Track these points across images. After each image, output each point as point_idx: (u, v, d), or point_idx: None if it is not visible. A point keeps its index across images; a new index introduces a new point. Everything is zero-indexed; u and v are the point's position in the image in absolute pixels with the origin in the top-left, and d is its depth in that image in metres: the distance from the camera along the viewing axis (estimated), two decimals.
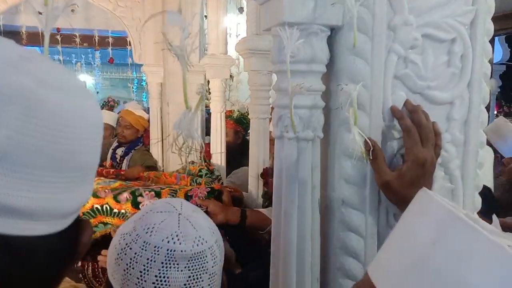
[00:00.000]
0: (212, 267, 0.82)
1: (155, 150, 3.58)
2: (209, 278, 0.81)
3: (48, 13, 0.57)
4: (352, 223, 0.98)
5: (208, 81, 2.96)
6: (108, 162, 3.58)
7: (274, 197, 1.07)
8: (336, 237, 1.02)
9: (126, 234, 0.81)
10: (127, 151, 3.54)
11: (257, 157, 2.14)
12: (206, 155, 3.04)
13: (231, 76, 3.29)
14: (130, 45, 3.57)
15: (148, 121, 3.62)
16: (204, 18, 3.32)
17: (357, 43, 0.90)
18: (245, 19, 3.87)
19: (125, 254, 0.79)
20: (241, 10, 4.14)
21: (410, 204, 0.55)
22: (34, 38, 4.74)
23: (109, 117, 3.80)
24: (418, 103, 0.97)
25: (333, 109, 1.02)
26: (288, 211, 1.00)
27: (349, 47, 0.93)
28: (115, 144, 3.63)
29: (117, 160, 3.55)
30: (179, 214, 0.83)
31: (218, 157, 2.85)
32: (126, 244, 0.80)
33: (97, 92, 9.44)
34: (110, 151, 3.62)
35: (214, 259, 0.83)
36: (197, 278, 0.79)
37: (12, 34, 4.64)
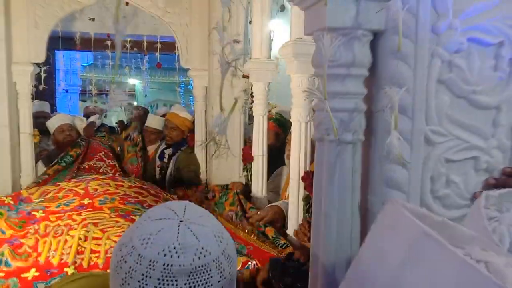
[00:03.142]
0: (219, 281, 0.72)
1: (198, 155, 3.67)
2: None
3: (119, 26, 0.63)
4: None
5: (252, 85, 3.01)
6: (157, 162, 3.73)
7: (314, 199, 1.09)
8: None
9: (123, 245, 0.74)
10: (174, 151, 3.68)
11: (298, 160, 2.15)
12: (247, 157, 3.08)
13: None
14: (177, 50, 3.70)
15: (193, 123, 3.72)
16: (249, 24, 3.37)
17: (401, 47, 0.90)
18: (284, 21, 3.90)
19: (121, 267, 0.71)
20: (282, 8, 4.15)
21: (379, 217, 0.52)
22: (86, 43, 4.97)
23: (157, 122, 3.96)
24: (463, 108, 0.95)
25: (375, 113, 1.02)
26: (328, 213, 1.01)
27: (392, 51, 0.94)
28: (162, 145, 3.78)
29: (165, 159, 3.69)
30: (179, 221, 0.74)
31: (260, 160, 2.89)
32: (122, 256, 0.72)
33: (145, 96, 9.80)
34: (159, 151, 3.77)
35: (221, 272, 0.73)
36: None
37: (68, 39, 4.89)
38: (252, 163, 2.95)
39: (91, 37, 4.76)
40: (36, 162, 3.42)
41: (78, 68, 8.11)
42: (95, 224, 2.00)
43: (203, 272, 0.70)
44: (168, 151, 3.72)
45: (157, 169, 3.73)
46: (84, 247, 1.87)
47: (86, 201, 2.25)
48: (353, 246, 1.01)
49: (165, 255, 0.69)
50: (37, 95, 3.75)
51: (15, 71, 3.22)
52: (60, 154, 3.43)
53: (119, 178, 2.66)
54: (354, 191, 1.01)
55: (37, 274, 1.73)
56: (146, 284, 0.68)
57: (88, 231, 1.95)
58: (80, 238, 1.90)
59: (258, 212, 2.42)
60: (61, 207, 2.21)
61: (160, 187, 2.98)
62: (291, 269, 1.46)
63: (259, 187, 2.90)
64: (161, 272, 0.68)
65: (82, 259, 1.82)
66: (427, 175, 0.98)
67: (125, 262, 0.71)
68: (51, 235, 1.93)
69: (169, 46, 4.48)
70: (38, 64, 3.34)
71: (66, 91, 7.93)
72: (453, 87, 0.96)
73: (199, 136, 3.68)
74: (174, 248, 0.70)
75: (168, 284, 0.68)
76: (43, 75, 3.47)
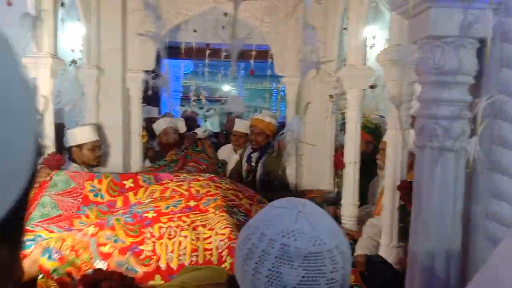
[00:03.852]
0: (331, 272, 0.75)
1: (288, 157, 3.76)
2: (326, 284, 0.75)
3: (234, 42, 0.71)
4: (497, 237, 0.95)
5: (345, 92, 3.02)
6: (244, 166, 3.87)
7: (414, 206, 1.09)
8: (479, 251, 1.00)
9: (248, 226, 0.83)
10: (260, 156, 3.78)
11: (393, 169, 2.11)
12: (339, 164, 3.09)
13: (372, 86, 3.29)
14: (271, 58, 3.82)
15: (280, 127, 3.81)
16: (344, 31, 3.38)
17: (508, 54, 0.88)
18: (379, 27, 3.82)
19: (244, 244, 0.79)
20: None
21: (497, 249, 0.51)
22: (189, 52, 5.32)
23: (244, 126, 4.10)
24: None
25: (480, 120, 1.00)
26: (427, 221, 1.01)
27: (499, 59, 0.92)
28: (248, 149, 3.88)
29: (252, 163, 3.81)
30: (298, 211, 0.80)
31: (351, 167, 2.88)
32: (247, 235, 0.80)
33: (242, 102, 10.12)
34: (245, 156, 3.89)
35: (334, 264, 0.76)
36: (313, 281, 0.74)
37: (173, 48, 5.30)
38: (343, 170, 2.95)
39: (192, 47, 5.10)
40: (144, 160, 3.78)
41: (181, 75, 8.68)
42: (203, 226, 2.12)
43: (317, 260, 0.75)
44: (254, 155, 3.82)
45: (244, 173, 3.85)
46: (198, 246, 1.98)
47: (192, 203, 2.35)
48: (452, 259, 1.00)
49: (283, 236, 0.75)
50: (145, 100, 4.13)
51: (129, 78, 3.59)
52: (163, 154, 3.75)
53: (217, 180, 2.75)
54: (456, 200, 1.00)
55: (162, 282, 1.82)
56: (265, 260, 0.75)
57: (198, 233, 2.06)
58: (192, 239, 2.01)
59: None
60: (170, 209, 2.32)
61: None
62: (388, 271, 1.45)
63: (350, 194, 2.89)
64: (279, 251, 0.75)
65: (197, 256, 1.93)
66: None
67: (249, 239, 0.79)
68: (165, 237, 2.06)
69: (262, 54, 4.63)
70: (147, 72, 3.68)
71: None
72: None
73: (288, 142, 3.77)
74: (292, 231, 0.76)
75: (284, 263, 0.74)
76: (151, 81, 3.81)
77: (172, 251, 1.96)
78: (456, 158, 0.99)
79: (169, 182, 2.71)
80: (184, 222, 2.17)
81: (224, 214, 2.18)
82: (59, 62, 2.86)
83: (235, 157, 4.05)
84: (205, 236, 2.05)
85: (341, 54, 3.46)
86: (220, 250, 1.93)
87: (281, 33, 3.69)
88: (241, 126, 4.13)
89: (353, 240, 2.47)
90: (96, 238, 2.02)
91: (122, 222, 2.26)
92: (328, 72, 3.42)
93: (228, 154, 4.15)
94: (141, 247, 2.03)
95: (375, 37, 3.90)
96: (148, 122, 4.21)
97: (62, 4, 2.87)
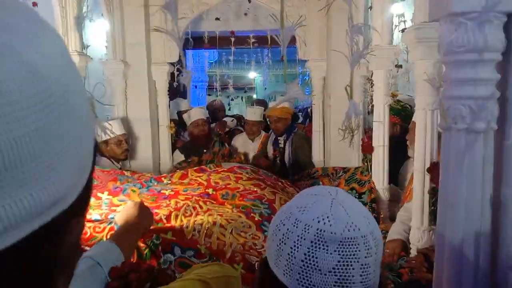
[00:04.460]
0: (365, 257, 0.76)
1: (316, 142, 3.72)
2: (360, 268, 0.76)
3: (284, 33, 0.70)
4: None
5: (372, 72, 2.94)
6: (270, 151, 3.87)
7: (441, 191, 1.06)
8: (510, 237, 0.96)
9: (282, 212, 0.84)
10: (287, 136, 3.78)
11: (423, 150, 2.05)
12: (367, 147, 3.03)
13: (397, 65, 3.19)
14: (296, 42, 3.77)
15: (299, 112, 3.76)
16: (369, 10, 3.28)
17: None
18: (407, 4, 3.69)
19: (279, 230, 0.80)
20: None
21: None
22: (212, 41, 5.32)
23: (254, 114, 4.09)
24: None
25: (510, 100, 0.95)
26: (455, 206, 0.98)
27: None
28: (273, 135, 3.88)
29: (280, 145, 3.81)
30: (332, 199, 0.81)
31: (380, 150, 2.82)
32: (281, 220, 0.81)
33: (265, 88, 10.16)
34: (270, 142, 3.89)
35: (368, 249, 0.77)
36: (347, 265, 0.75)
37: (197, 38, 5.31)
38: (372, 154, 2.89)
39: (216, 36, 5.09)
40: (173, 152, 3.83)
41: (206, 65, 8.74)
42: (220, 215, 2.10)
43: (352, 245, 0.75)
44: (281, 138, 3.83)
45: (271, 158, 3.86)
46: (212, 231, 1.96)
47: (210, 191, 2.35)
48: (481, 242, 0.96)
49: (319, 221, 0.76)
50: (172, 92, 4.17)
51: (154, 70, 3.63)
52: (194, 146, 3.79)
53: (237, 170, 2.73)
54: (485, 183, 0.96)
55: (174, 238, 1.85)
56: (300, 245, 0.76)
57: (215, 219, 2.05)
58: (209, 222, 2.00)
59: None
60: (188, 192, 2.34)
61: (275, 174, 3.09)
62: None
63: (380, 179, 2.84)
64: (314, 236, 0.75)
65: (211, 242, 1.91)
66: None
67: (283, 225, 0.80)
68: (181, 212, 2.05)
69: (290, 39, 4.57)
70: (172, 63, 3.71)
71: (195, 86, 8.63)
72: None
73: (316, 126, 3.72)
74: (327, 217, 0.77)
75: (320, 248, 0.75)
76: (176, 73, 3.84)
77: (187, 226, 1.96)
78: (484, 140, 0.95)
79: (188, 171, 2.74)
80: (201, 207, 2.16)
81: (242, 215, 2.15)
82: (86, 59, 2.92)
83: (253, 145, 4.07)
84: (222, 223, 2.03)
85: (367, 34, 3.37)
86: (233, 248, 1.91)
87: (304, 15, 3.62)
88: (253, 115, 4.13)
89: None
90: (109, 200, 2.09)
91: (138, 192, 2.29)
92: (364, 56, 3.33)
93: (243, 143, 4.17)
94: (156, 210, 2.03)
95: (404, 14, 3.77)
96: (179, 114, 4.28)
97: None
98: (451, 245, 0.99)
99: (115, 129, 3.18)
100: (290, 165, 3.75)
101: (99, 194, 2.20)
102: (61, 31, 2.70)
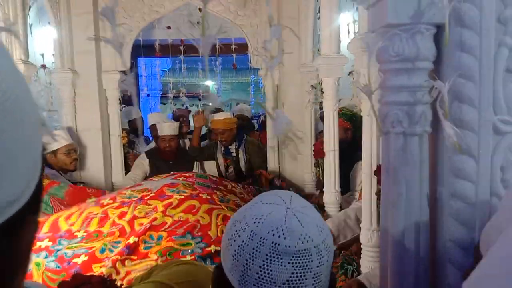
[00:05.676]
0: (318, 266, 0.79)
1: (270, 149, 3.79)
2: (313, 278, 0.78)
3: (205, 40, 0.72)
4: (462, 216, 0.99)
5: (321, 81, 3.05)
6: (221, 159, 3.84)
7: (383, 189, 1.13)
8: (445, 230, 1.03)
9: (237, 221, 0.84)
10: (239, 143, 3.79)
11: (370, 154, 2.15)
12: (319, 152, 3.12)
13: (350, 73, 3.33)
14: (249, 50, 3.83)
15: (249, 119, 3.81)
16: (318, 20, 3.40)
17: (464, 39, 0.91)
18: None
19: (234, 240, 0.81)
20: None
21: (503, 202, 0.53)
22: (164, 49, 5.27)
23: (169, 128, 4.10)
24: None
25: (446, 104, 1.03)
26: (396, 204, 1.05)
27: (456, 43, 0.95)
28: (220, 146, 3.85)
29: (232, 153, 3.80)
30: (287, 208, 0.82)
31: (331, 155, 2.92)
32: (236, 231, 0.82)
33: (219, 96, 10.18)
34: (218, 152, 3.84)
35: (320, 258, 0.79)
36: (301, 276, 0.77)
37: (148, 46, 5.24)
38: (324, 159, 2.99)
39: (168, 44, 5.05)
40: (124, 164, 3.74)
41: (158, 73, 8.63)
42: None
43: (305, 256, 0.77)
44: (232, 147, 3.82)
45: (223, 167, 3.82)
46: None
47: (131, 240, 2.06)
48: (421, 234, 1.03)
49: (273, 234, 0.77)
50: (124, 101, 4.10)
51: (105, 79, 3.56)
52: (159, 156, 3.75)
53: (167, 192, 2.46)
54: (422, 182, 1.04)
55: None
56: (255, 258, 0.77)
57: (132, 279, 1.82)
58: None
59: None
60: (106, 253, 2.02)
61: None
62: None
63: (331, 181, 2.93)
64: (269, 249, 0.77)
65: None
66: (497, 165, 0.97)
67: (239, 236, 0.80)
68: None
69: (243, 48, 4.63)
70: (124, 72, 3.64)
71: (148, 95, 8.50)
72: None
73: (271, 133, 3.79)
74: (282, 230, 0.78)
75: (274, 261, 0.76)
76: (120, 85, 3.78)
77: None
78: (420, 142, 1.02)
79: (110, 204, 2.39)
80: (118, 273, 1.92)
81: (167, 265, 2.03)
82: (31, 67, 2.82)
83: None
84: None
85: (317, 44, 3.48)
86: None
87: (256, 25, 3.70)
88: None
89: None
90: None
91: (43, 268, 1.93)
92: (306, 63, 3.44)
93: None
94: None
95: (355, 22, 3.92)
96: (130, 123, 4.19)
97: (29, 8, 2.81)
98: (394, 239, 1.05)
99: (62, 139, 3.08)
100: (246, 171, 3.76)
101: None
102: (4, 39, 2.59)
